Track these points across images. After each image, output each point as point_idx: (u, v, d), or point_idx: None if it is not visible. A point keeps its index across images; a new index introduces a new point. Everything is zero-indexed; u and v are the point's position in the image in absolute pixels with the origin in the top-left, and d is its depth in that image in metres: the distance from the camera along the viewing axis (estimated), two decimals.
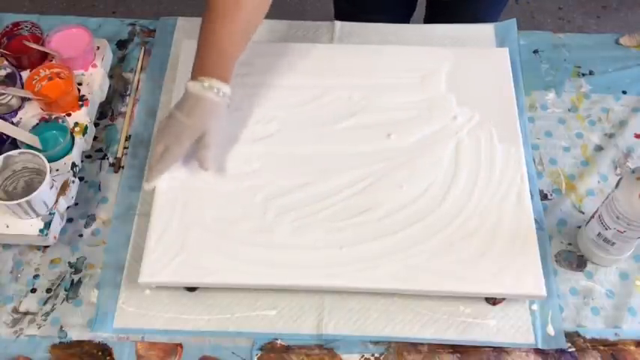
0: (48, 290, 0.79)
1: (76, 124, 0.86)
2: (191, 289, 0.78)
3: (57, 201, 0.79)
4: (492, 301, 0.77)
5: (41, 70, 0.86)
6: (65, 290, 0.79)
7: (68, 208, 0.83)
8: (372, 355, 0.75)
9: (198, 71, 0.78)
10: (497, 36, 1.00)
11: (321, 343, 0.76)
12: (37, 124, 0.83)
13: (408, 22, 1.20)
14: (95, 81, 0.89)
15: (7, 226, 0.77)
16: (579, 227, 0.83)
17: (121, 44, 1.00)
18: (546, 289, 0.74)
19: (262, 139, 0.85)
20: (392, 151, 0.84)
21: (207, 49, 0.79)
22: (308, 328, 0.76)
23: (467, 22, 1.01)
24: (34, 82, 0.86)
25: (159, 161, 0.79)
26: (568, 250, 0.82)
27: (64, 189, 0.80)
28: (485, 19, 1.03)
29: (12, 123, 0.82)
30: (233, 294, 0.78)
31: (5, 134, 0.81)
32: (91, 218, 0.84)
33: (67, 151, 0.82)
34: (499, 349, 0.75)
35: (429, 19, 1.21)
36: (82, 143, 0.85)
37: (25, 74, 0.88)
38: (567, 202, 0.86)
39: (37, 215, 0.77)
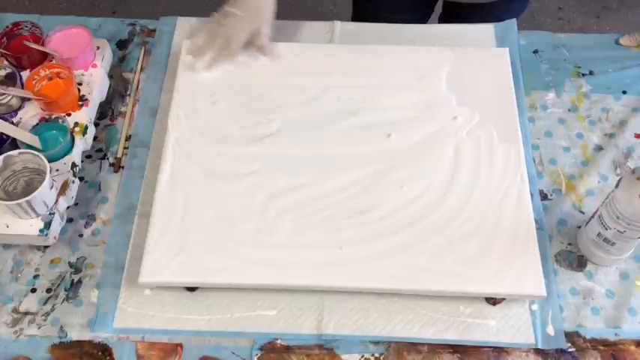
0: (48, 290, 0.79)
1: (76, 124, 0.86)
2: (191, 289, 0.78)
3: (57, 201, 0.79)
4: (492, 301, 0.77)
5: (41, 70, 0.86)
6: (65, 290, 0.79)
7: (68, 208, 0.83)
8: (372, 355, 0.75)
9: None
10: (497, 36, 1.00)
11: (321, 343, 0.76)
12: (37, 124, 0.83)
13: (426, 23, 1.20)
14: (95, 81, 0.89)
15: (7, 226, 0.77)
16: (579, 227, 0.83)
17: (121, 44, 1.00)
18: (546, 289, 0.74)
19: (262, 139, 0.85)
20: (392, 151, 0.84)
21: None
22: (308, 328, 0.76)
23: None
24: (34, 82, 0.86)
25: (222, 52, 0.89)
26: (568, 250, 0.82)
27: (64, 189, 0.80)
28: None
29: (12, 123, 0.82)
30: (233, 294, 0.78)
31: (5, 134, 0.81)
32: (91, 218, 0.84)
33: (67, 151, 0.82)
34: (499, 349, 0.75)
35: (444, 21, 1.21)
36: (82, 143, 0.85)
37: (25, 74, 0.88)
38: (567, 202, 0.86)
39: (37, 215, 0.77)
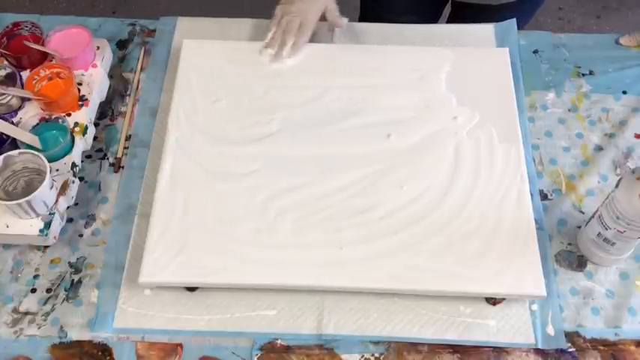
0: (48, 290, 0.79)
1: (76, 124, 0.85)
2: (191, 289, 0.78)
3: (57, 201, 0.79)
4: (492, 301, 0.77)
5: (41, 70, 0.86)
6: (65, 290, 0.79)
7: (68, 208, 0.83)
8: (372, 355, 0.75)
9: None
10: (497, 36, 1.00)
11: (321, 343, 0.76)
12: (37, 124, 0.83)
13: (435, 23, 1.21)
14: (95, 81, 0.89)
15: (7, 226, 0.77)
16: (579, 227, 0.83)
17: (121, 44, 1.00)
18: (546, 289, 0.74)
19: (262, 139, 0.85)
20: (392, 151, 0.84)
21: None
22: (308, 328, 0.76)
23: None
24: (34, 82, 0.86)
25: (299, 35, 0.91)
26: (568, 250, 0.82)
27: (64, 189, 0.80)
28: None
29: (12, 123, 0.82)
30: (233, 294, 0.78)
31: (5, 134, 0.81)
32: (91, 218, 0.84)
33: (67, 151, 0.82)
34: (499, 349, 0.75)
35: (452, 22, 1.21)
36: (82, 143, 0.85)
37: (25, 74, 0.88)
38: (567, 202, 0.86)
39: (37, 215, 0.77)
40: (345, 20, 0.96)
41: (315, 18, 0.93)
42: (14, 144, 0.81)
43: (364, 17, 1.16)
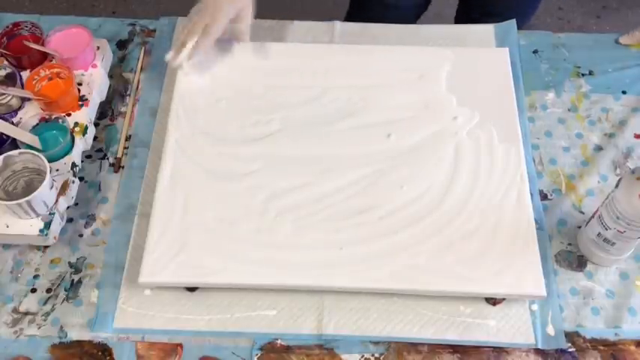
0: (48, 290, 0.79)
1: (76, 124, 0.86)
2: (191, 289, 0.78)
3: (57, 201, 0.79)
4: (492, 301, 0.77)
5: (41, 70, 0.86)
6: (65, 290, 0.79)
7: (68, 208, 0.83)
8: (372, 355, 0.75)
9: None
10: (497, 36, 1.00)
11: (321, 343, 0.76)
12: (37, 124, 0.83)
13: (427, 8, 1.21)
14: (95, 81, 0.89)
15: (7, 226, 0.77)
16: (579, 227, 0.83)
17: (121, 44, 1.00)
18: (546, 289, 0.74)
19: (262, 139, 0.85)
20: (392, 151, 0.84)
21: None
22: (308, 328, 0.76)
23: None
24: (34, 82, 0.86)
25: (202, 37, 0.85)
26: (568, 250, 0.82)
27: (64, 189, 0.80)
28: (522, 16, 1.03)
29: (12, 123, 0.82)
30: (233, 294, 0.78)
31: (5, 134, 0.81)
32: (91, 218, 0.84)
33: (67, 151, 0.82)
34: (499, 349, 0.75)
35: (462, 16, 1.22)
36: (82, 143, 0.85)
37: (25, 74, 0.88)
38: (567, 202, 0.86)
39: (37, 215, 0.77)
40: (247, 38, 0.90)
41: (225, 20, 0.86)
42: (14, 144, 0.81)
43: (350, 15, 1.15)
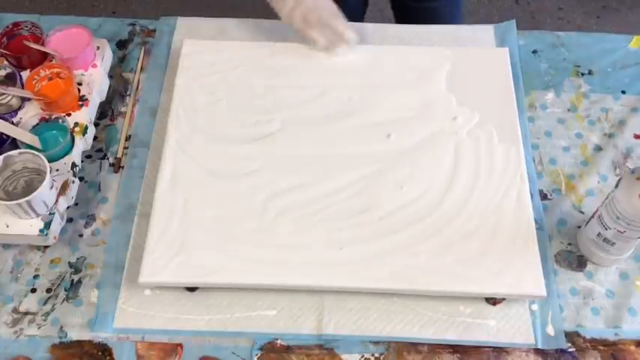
0: (48, 290, 0.79)
1: (76, 124, 0.86)
2: (191, 289, 0.78)
3: (57, 201, 0.79)
4: (492, 301, 0.77)
5: (41, 70, 0.86)
6: (65, 290, 0.79)
7: (68, 208, 0.83)
8: (372, 355, 0.75)
9: None
10: (497, 36, 1.00)
11: (321, 343, 0.76)
12: (37, 124, 0.83)
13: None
14: (95, 81, 0.89)
15: (7, 226, 0.77)
16: (579, 227, 0.83)
17: (121, 44, 1.00)
18: (546, 289, 0.74)
19: (262, 139, 0.85)
20: (392, 151, 0.84)
21: None
22: (308, 328, 0.76)
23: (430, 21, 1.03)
24: (34, 82, 0.86)
25: (334, 18, 0.88)
26: (568, 250, 0.82)
27: (64, 189, 0.80)
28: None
29: (12, 123, 0.82)
30: (233, 294, 0.78)
31: (5, 134, 0.81)
32: (91, 218, 0.84)
33: (67, 151, 0.82)
34: (499, 349, 0.75)
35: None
36: (82, 143, 0.85)
37: (25, 74, 0.88)
38: (567, 202, 0.86)
39: (37, 215, 0.77)
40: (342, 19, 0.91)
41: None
42: (14, 144, 0.81)
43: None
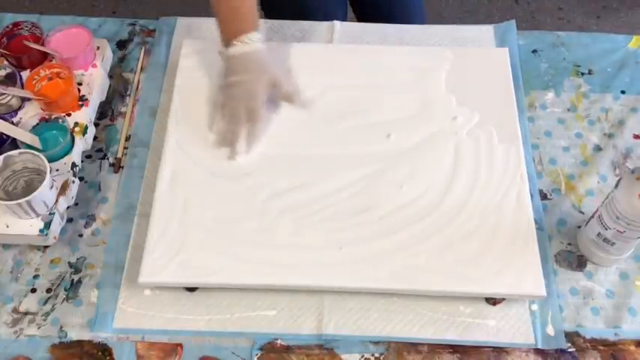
0: (48, 290, 0.79)
1: (76, 124, 0.86)
2: (191, 290, 0.78)
3: (57, 201, 0.79)
4: (492, 301, 0.77)
5: (41, 70, 0.86)
6: (65, 290, 0.79)
7: (68, 208, 0.83)
8: (372, 355, 0.75)
9: (229, 36, 0.82)
10: (497, 36, 1.00)
11: (321, 343, 0.76)
12: (37, 124, 0.83)
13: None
14: (95, 81, 0.89)
15: (7, 226, 0.77)
16: (579, 227, 0.83)
17: (121, 44, 1.00)
18: (546, 289, 0.75)
19: (262, 139, 0.85)
20: (392, 151, 0.84)
21: (225, 17, 0.83)
22: (308, 328, 0.76)
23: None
24: (34, 82, 0.86)
25: (252, 127, 0.82)
26: (568, 250, 0.82)
27: (64, 189, 0.80)
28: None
29: (12, 123, 0.82)
30: (233, 294, 0.78)
31: (5, 134, 0.81)
32: (91, 218, 0.84)
33: (67, 151, 0.82)
34: (499, 349, 0.75)
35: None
36: (82, 143, 0.85)
37: (25, 74, 0.88)
38: (567, 202, 0.86)
39: (37, 215, 0.77)
40: (302, 98, 0.86)
41: (263, 98, 0.82)
42: (14, 144, 0.81)
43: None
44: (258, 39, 0.83)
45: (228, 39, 0.83)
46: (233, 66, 0.83)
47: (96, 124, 0.90)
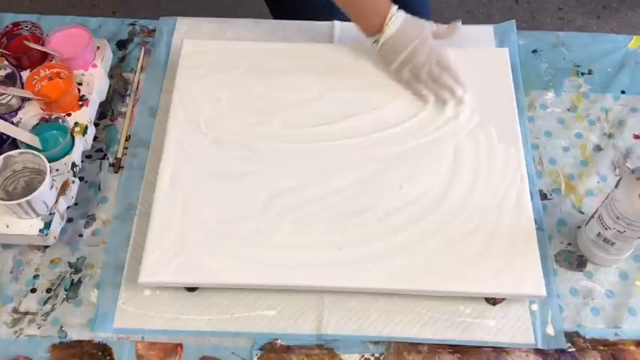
0: (48, 290, 0.79)
1: (76, 124, 0.86)
2: (191, 290, 0.78)
3: (57, 201, 0.79)
4: (492, 301, 0.77)
5: (41, 70, 0.86)
6: (65, 290, 0.79)
7: (68, 208, 0.83)
8: (372, 355, 0.75)
9: (378, 23, 0.85)
10: (497, 36, 1.00)
11: (321, 343, 0.76)
12: (37, 124, 0.83)
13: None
14: (95, 81, 0.89)
15: (7, 226, 0.77)
16: (579, 227, 0.83)
17: (121, 44, 1.00)
18: (546, 289, 0.74)
19: (262, 139, 0.85)
20: (392, 151, 0.84)
21: (362, 10, 0.87)
22: (308, 328, 0.76)
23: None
24: (34, 82, 0.86)
25: (452, 73, 0.86)
26: (568, 250, 0.82)
27: (64, 189, 0.80)
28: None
29: (12, 123, 0.82)
30: (233, 294, 0.78)
31: (5, 134, 0.81)
32: (91, 218, 0.84)
33: (67, 151, 0.82)
34: (499, 349, 0.75)
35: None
36: (82, 143, 0.85)
37: (25, 74, 0.88)
38: (567, 202, 0.86)
39: (37, 215, 0.77)
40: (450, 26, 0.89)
41: (437, 46, 0.86)
42: (14, 144, 0.81)
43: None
44: (396, 8, 0.86)
45: (378, 25, 0.85)
46: (396, 42, 0.85)
47: (96, 124, 0.90)
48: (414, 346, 0.76)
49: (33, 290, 0.79)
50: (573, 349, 0.76)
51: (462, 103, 0.87)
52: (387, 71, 0.91)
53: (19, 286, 0.79)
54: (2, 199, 0.75)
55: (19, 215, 0.77)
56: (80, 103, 0.87)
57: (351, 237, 0.78)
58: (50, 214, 0.78)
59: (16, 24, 0.90)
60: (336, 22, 1.01)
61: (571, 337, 0.76)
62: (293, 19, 1.01)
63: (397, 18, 0.85)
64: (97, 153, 0.89)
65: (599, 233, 0.77)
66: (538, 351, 0.75)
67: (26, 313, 0.78)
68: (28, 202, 0.75)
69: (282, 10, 1.09)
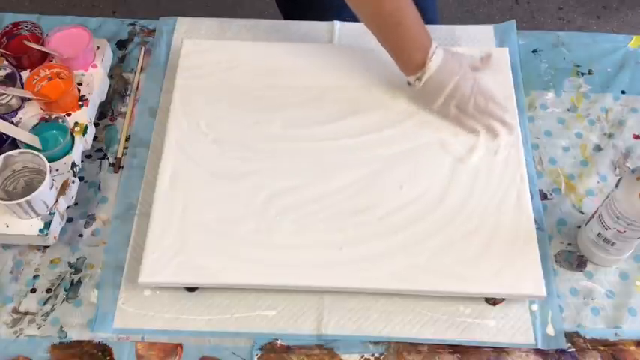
0: (48, 290, 0.79)
1: (76, 124, 0.86)
2: (191, 290, 0.78)
3: (57, 201, 0.79)
4: (492, 301, 0.77)
5: (41, 70, 0.86)
6: (65, 290, 0.79)
7: (68, 208, 0.83)
8: (372, 355, 0.75)
9: (419, 58, 0.82)
10: (497, 36, 1.00)
11: (321, 343, 0.76)
12: (37, 124, 0.83)
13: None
14: (95, 81, 0.89)
15: (7, 226, 0.77)
16: (579, 227, 0.83)
17: (121, 44, 1.00)
18: (546, 289, 0.74)
19: (262, 139, 0.85)
20: (392, 151, 0.84)
21: (402, 45, 0.83)
22: (308, 328, 0.76)
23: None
24: (34, 82, 0.86)
25: (497, 105, 0.84)
26: (568, 250, 0.82)
27: (64, 189, 0.80)
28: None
29: (12, 123, 0.82)
30: (233, 294, 0.78)
31: (5, 134, 0.81)
32: (91, 218, 0.84)
33: (67, 151, 0.82)
34: (499, 349, 0.75)
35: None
36: (82, 143, 0.85)
37: (25, 74, 0.88)
38: (567, 202, 0.86)
39: (37, 215, 0.77)
40: (487, 54, 0.89)
41: (478, 78, 0.84)
42: (14, 144, 0.81)
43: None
44: (436, 44, 0.83)
45: (420, 62, 0.82)
46: (439, 78, 0.82)
47: (96, 124, 0.90)
48: (414, 346, 0.76)
49: (33, 290, 0.79)
50: (573, 349, 0.76)
51: (513, 130, 0.85)
52: (386, 71, 0.91)
53: (19, 286, 0.79)
54: (2, 199, 0.75)
55: (19, 215, 0.77)
56: (80, 103, 0.87)
57: (351, 237, 0.78)
58: (50, 214, 0.78)
59: (16, 24, 0.90)
60: (336, 22, 1.01)
61: (571, 337, 0.76)
62: (305, 19, 1.01)
63: (439, 53, 0.82)
64: (97, 153, 0.89)
65: (599, 233, 0.77)
66: (538, 351, 0.75)
67: (26, 313, 0.78)
68: (28, 202, 0.75)
69: (293, 11, 1.08)
